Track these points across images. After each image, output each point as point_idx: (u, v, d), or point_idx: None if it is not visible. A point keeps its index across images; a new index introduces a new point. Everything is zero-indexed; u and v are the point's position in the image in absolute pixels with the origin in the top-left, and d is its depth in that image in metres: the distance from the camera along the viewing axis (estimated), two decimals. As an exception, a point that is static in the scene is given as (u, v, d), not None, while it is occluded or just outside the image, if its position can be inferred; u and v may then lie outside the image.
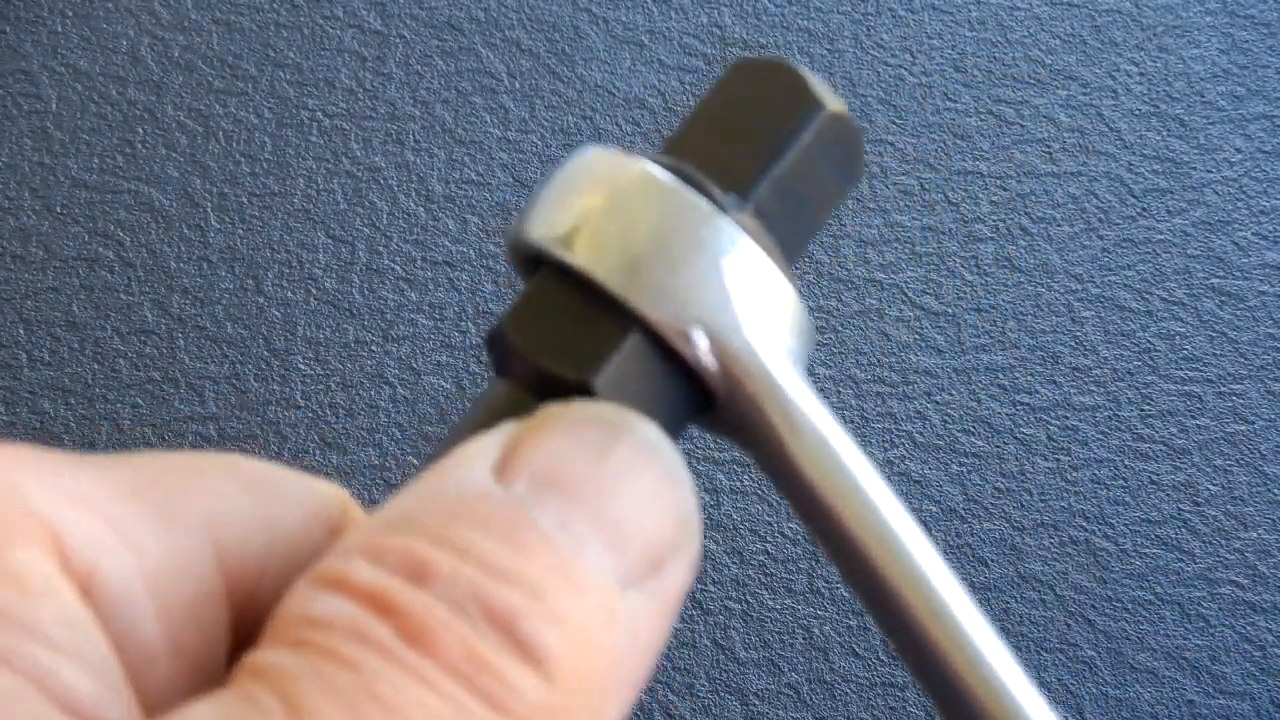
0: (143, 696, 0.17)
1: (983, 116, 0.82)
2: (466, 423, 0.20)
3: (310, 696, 0.15)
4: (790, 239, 0.22)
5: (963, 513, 0.70)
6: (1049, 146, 0.81)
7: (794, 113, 0.21)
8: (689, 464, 0.71)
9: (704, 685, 0.66)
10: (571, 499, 0.17)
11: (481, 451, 0.18)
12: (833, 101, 0.21)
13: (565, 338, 0.19)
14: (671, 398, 0.20)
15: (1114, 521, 0.70)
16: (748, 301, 0.20)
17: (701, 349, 0.19)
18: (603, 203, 0.19)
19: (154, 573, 0.17)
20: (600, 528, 0.17)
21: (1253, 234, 0.78)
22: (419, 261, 0.78)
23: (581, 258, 0.19)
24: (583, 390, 0.19)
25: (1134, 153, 0.81)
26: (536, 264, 0.21)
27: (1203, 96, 0.83)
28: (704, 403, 0.21)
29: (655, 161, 0.20)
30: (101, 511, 0.17)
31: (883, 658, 0.67)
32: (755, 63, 0.22)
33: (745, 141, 0.21)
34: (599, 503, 0.18)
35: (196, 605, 0.18)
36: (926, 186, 0.80)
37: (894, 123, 0.82)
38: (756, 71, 0.21)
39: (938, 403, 0.73)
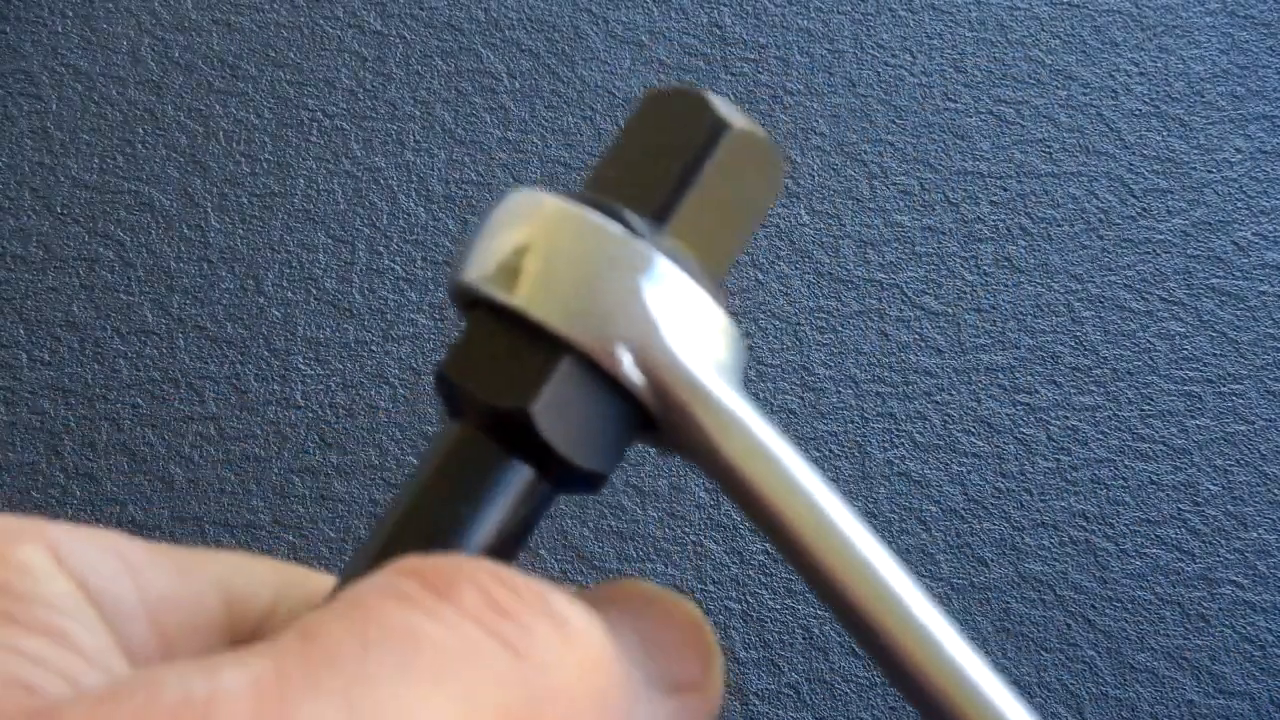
0: None
1: (983, 116, 0.82)
2: (426, 468, 0.20)
3: (322, 624, 0.16)
4: (715, 255, 0.22)
5: (963, 513, 0.70)
6: (1049, 146, 0.81)
7: (701, 134, 0.21)
8: (690, 467, 0.71)
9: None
10: (614, 619, 0.19)
11: None
12: (739, 120, 0.22)
13: (501, 371, 0.20)
14: (610, 417, 0.20)
15: (1114, 521, 0.70)
16: (668, 316, 0.20)
17: (626, 364, 0.20)
18: (523, 239, 0.20)
19: (154, 597, 0.18)
20: (634, 635, 0.19)
21: (1253, 234, 0.78)
22: (419, 261, 0.78)
23: (505, 293, 0.20)
24: (521, 417, 0.19)
25: (1134, 153, 0.81)
26: (474, 305, 0.21)
27: (1203, 96, 0.83)
28: (645, 420, 0.21)
29: (573, 197, 0.21)
30: (104, 544, 0.18)
31: (883, 658, 0.67)
32: (664, 93, 0.22)
33: (657, 167, 0.21)
34: (635, 620, 0.19)
35: (196, 631, 0.19)
36: (926, 186, 0.80)
37: (894, 123, 0.82)
38: (665, 101, 0.22)
39: (938, 403, 0.73)
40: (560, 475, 0.20)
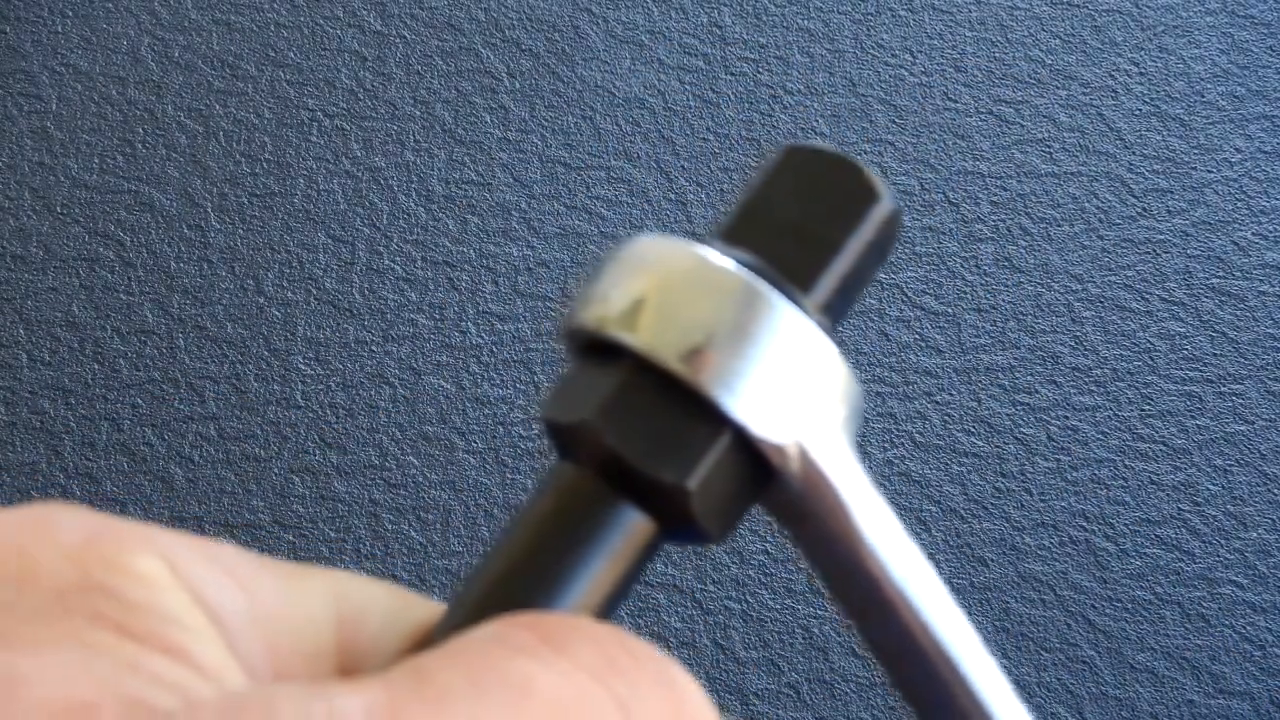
0: None
1: (983, 116, 0.82)
2: (542, 509, 0.20)
3: (436, 664, 0.16)
4: (839, 320, 0.22)
5: (963, 513, 0.70)
6: (1049, 146, 0.82)
7: (856, 209, 0.21)
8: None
9: (704, 685, 0.66)
10: None
11: None
12: (887, 196, 0.22)
13: (657, 437, 0.20)
14: (747, 490, 0.20)
15: (1114, 521, 0.70)
16: (832, 408, 0.20)
17: (793, 459, 0.20)
18: (704, 311, 0.20)
19: (266, 613, 0.18)
20: None
21: (1253, 234, 0.78)
22: (419, 261, 0.78)
23: (689, 369, 0.20)
24: (678, 492, 0.19)
25: (1134, 153, 0.81)
26: (599, 346, 0.21)
27: (1203, 96, 0.83)
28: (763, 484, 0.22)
29: (732, 256, 0.21)
30: (214, 556, 0.18)
31: (883, 658, 0.67)
32: (808, 150, 0.22)
33: (810, 235, 0.21)
34: None
35: (306, 651, 0.19)
36: (926, 186, 0.80)
37: (894, 123, 0.82)
38: (812, 162, 0.22)
39: (938, 403, 0.73)
40: (681, 532, 0.20)
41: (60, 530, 0.17)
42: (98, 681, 0.15)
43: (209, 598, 0.17)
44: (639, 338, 0.20)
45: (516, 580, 0.19)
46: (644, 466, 0.19)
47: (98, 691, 0.15)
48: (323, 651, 0.19)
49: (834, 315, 0.22)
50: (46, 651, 0.15)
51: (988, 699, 0.22)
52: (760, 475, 0.20)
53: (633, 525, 0.20)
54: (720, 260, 0.20)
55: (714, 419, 0.20)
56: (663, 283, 0.20)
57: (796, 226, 0.21)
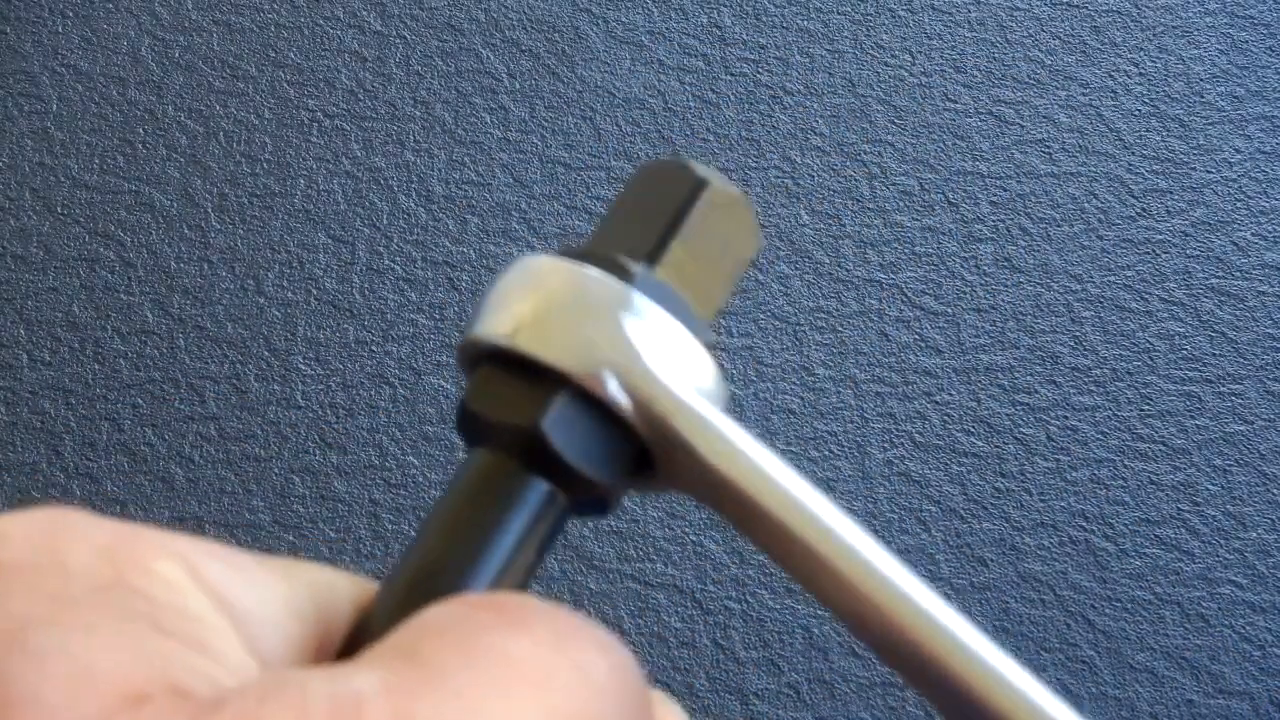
0: None
1: (983, 116, 0.82)
2: (460, 491, 0.23)
3: (420, 643, 0.18)
4: (702, 296, 0.26)
5: (963, 513, 0.70)
6: (1049, 147, 0.82)
7: (683, 191, 0.26)
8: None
9: (704, 685, 0.66)
10: None
11: None
12: (717, 179, 0.26)
13: (512, 399, 0.23)
14: (611, 438, 0.23)
15: (1114, 521, 0.70)
16: (647, 345, 0.23)
17: (611, 386, 0.23)
18: (522, 292, 0.24)
19: (275, 610, 0.20)
20: None
21: (1252, 234, 0.79)
22: (419, 261, 0.78)
23: (505, 337, 0.24)
24: (535, 432, 0.22)
25: (1134, 153, 0.81)
26: (483, 358, 0.25)
27: (1202, 97, 0.83)
28: (642, 458, 0.24)
29: (566, 253, 0.25)
30: (222, 556, 0.20)
31: (882, 658, 0.67)
32: (653, 164, 0.27)
33: (646, 221, 0.26)
34: None
35: (303, 641, 0.21)
36: (926, 186, 0.80)
37: (894, 123, 0.82)
38: (654, 170, 0.26)
39: (938, 403, 0.73)
40: (572, 488, 0.23)
41: (89, 529, 0.18)
42: (147, 670, 0.16)
43: (227, 598, 0.19)
44: (476, 331, 0.24)
45: (440, 546, 0.22)
46: (504, 418, 0.23)
47: (148, 679, 0.16)
48: (310, 643, 0.21)
49: (690, 282, 0.25)
50: (101, 639, 0.16)
51: (900, 592, 0.23)
52: (625, 429, 0.23)
53: (528, 486, 0.23)
54: (544, 256, 0.24)
55: (553, 375, 0.23)
56: (498, 289, 0.24)
57: (640, 218, 0.26)
